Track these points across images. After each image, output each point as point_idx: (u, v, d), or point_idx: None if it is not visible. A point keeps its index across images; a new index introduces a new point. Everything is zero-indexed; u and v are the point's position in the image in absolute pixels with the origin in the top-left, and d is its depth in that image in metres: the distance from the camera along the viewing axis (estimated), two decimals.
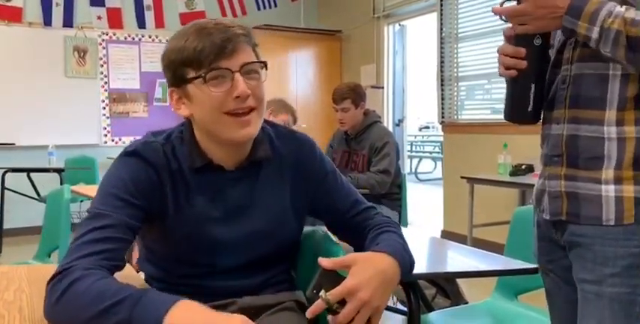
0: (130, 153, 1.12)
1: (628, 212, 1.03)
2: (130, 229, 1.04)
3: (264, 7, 6.03)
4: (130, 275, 1.17)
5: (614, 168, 1.04)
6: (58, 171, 4.63)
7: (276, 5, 6.09)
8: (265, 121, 1.26)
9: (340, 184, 1.27)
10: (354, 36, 6.20)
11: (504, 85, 1.19)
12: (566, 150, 1.09)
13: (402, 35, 5.96)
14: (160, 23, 5.65)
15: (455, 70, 4.93)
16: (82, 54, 5.49)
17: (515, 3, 1.07)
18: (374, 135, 3.22)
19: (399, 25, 5.89)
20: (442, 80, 5.04)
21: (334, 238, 1.30)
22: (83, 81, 5.49)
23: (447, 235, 4.87)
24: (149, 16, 5.63)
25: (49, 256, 2.47)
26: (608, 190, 1.04)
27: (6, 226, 4.74)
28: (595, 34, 0.98)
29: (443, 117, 5.08)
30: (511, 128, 3.72)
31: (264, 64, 1.14)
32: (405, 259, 1.07)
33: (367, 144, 3.22)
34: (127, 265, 1.11)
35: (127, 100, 5.73)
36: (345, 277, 0.98)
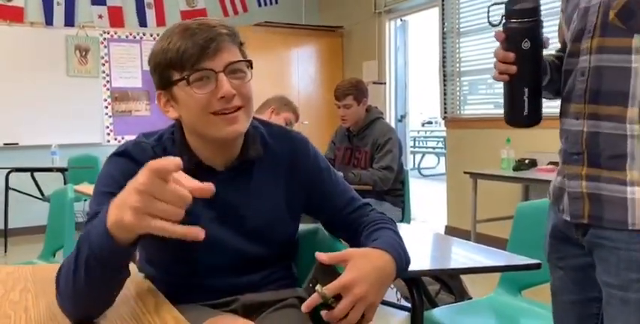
0: (119, 153, 1.13)
1: None
2: None
3: (265, 4, 6.02)
4: (134, 275, 1.17)
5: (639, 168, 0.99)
6: (62, 170, 4.64)
7: (277, 2, 6.09)
8: (258, 119, 1.26)
9: (335, 182, 1.27)
10: (355, 32, 6.19)
11: (502, 83, 1.16)
12: (587, 148, 1.04)
13: (404, 30, 5.94)
14: (161, 21, 5.65)
15: (457, 65, 4.92)
16: (84, 53, 5.49)
17: (502, 6, 1.06)
18: (376, 131, 3.22)
19: (401, 20, 5.87)
20: (444, 75, 5.03)
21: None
22: (85, 80, 5.49)
23: (450, 230, 4.87)
24: (150, 15, 5.63)
25: (54, 256, 2.48)
26: (635, 192, 0.99)
27: (10, 225, 4.76)
28: None
29: (445, 112, 5.07)
30: None
31: (249, 63, 1.12)
32: (401, 257, 1.07)
33: (370, 140, 3.22)
34: (132, 264, 1.11)
35: (129, 99, 5.73)
36: (341, 273, 0.98)
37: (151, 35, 5.75)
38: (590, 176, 1.04)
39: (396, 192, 3.25)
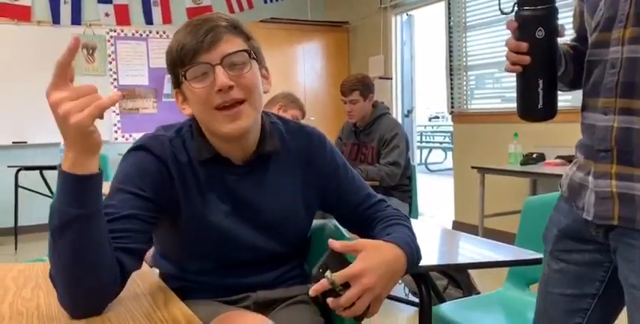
0: (137, 147, 1.13)
1: None
2: (140, 219, 1.04)
3: (271, 0, 6.02)
4: (144, 271, 1.18)
5: None
6: None
7: None
8: (276, 115, 1.26)
9: (351, 178, 1.26)
10: (361, 27, 6.18)
11: (515, 75, 1.11)
12: (617, 145, 0.97)
13: (410, 25, 5.92)
14: (167, 19, 5.66)
15: (463, 59, 4.90)
16: (91, 51, 5.51)
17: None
18: (383, 127, 3.22)
19: (407, 15, 5.85)
20: (451, 70, 5.01)
21: (344, 230, 1.30)
22: (92, 78, 5.50)
23: (458, 225, 4.86)
24: (156, 12, 5.64)
25: None
26: None
27: (20, 223, 4.79)
28: None
29: (452, 107, 5.05)
30: None
31: (248, 53, 1.09)
32: (413, 253, 1.07)
33: (376, 136, 3.22)
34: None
35: (137, 97, 5.75)
36: (351, 262, 0.98)
37: (157, 33, 5.76)
38: (620, 175, 0.98)
39: (403, 187, 3.25)
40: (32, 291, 1.09)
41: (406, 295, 2.91)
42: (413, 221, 1.21)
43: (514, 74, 1.10)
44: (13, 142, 5.18)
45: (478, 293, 2.55)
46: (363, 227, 1.24)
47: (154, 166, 1.10)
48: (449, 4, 4.96)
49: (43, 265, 1.32)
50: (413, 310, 2.86)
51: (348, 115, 3.29)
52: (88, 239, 0.91)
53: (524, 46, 1.03)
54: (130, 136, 5.68)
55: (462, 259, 1.81)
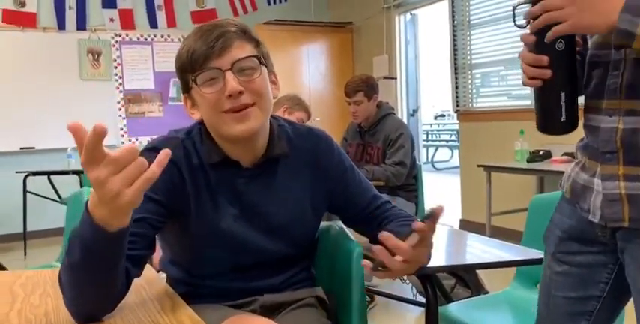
0: (150, 149, 1.13)
1: None
2: (148, 224, 1.05)
3: (275, 2, 6.03)
4: (151, 276, 1.19)
5: None
6: (78, 173, 4.69)
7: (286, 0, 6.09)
8: (284, 119, 1.27)
9: (358, 180, 1.27)
10: (365, 27, 6.17)
11: (521, 71, 1.07)
12: (623, 146, 0.97)
13: (414, 24, 5.91)
14: (171, 22, 5.68)
15: (468, 57, 4.89)
16: (97, 56, 5.54)
17: (530, 5, 0.97)
18: (388, 127, 3.22)
19: (410, 14, 5.84)
20: (456, 68, 4.99)
21: (349, 232, 1.31)
22: (98, 83, 5.54)
23: (465, 224, 4.85)
24: (160, 16, 5.67)
25: None
26: None
27: (29, 228, 4.83)
28: None
29: (458, 105, 5.04)
30: (527, 114, 3.68)
31: (258, 58, 1.11)
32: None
33: (381, 136, 3.22)
34: (148, 265, 1.13)
35: (142, 101, 5.77)
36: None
37: (162, 36, 5.78)
38: (628, 176, 0.97)
39: (409, 187, 3.24)
40: (40, 298, 1.10)
41: (414, 295, 2.90)
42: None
43: (520, 71, 1.08)
44: (21, 148, 5.21)
45: (486, 292, 2.54)
46: (369, 228, 1.25)
47: (167, 169, 1.10)
48: (452, 2, 4.94)
49: (52, 271, 1.33)
50: (420, 311, 2.85)
51: (353, 115, 3.29)
52: (105, 266, 0.90)
53: (546, 59, 0.99)
54: (137, 139, 5.70)
55: (469, 259, 1.80)
